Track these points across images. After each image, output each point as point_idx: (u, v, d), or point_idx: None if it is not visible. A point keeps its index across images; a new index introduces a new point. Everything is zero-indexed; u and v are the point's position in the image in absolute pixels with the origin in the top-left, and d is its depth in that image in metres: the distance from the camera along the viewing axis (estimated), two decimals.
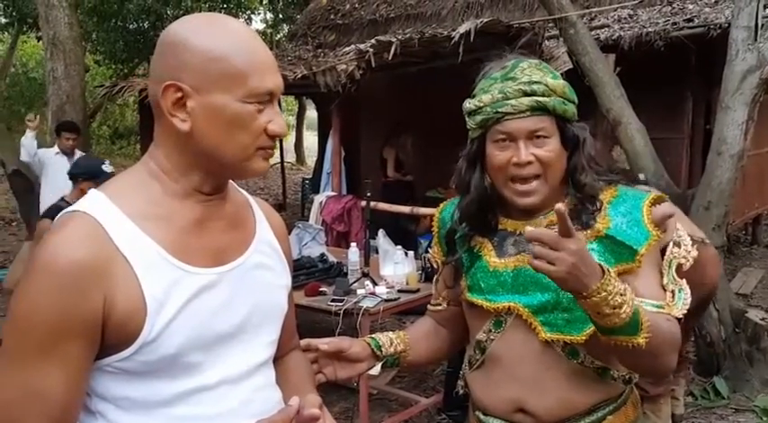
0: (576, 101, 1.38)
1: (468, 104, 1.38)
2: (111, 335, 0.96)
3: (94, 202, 1.00)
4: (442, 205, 1.59)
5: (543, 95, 1.31)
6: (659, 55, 5.82)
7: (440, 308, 1.62)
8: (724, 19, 5.52)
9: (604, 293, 1.14)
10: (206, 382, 1.03)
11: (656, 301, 1.31)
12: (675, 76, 6.20)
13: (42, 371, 0.93)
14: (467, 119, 1.40)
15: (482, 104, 1.34)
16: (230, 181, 1.14)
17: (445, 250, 1.53)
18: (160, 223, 1.01)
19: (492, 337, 1.42)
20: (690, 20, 5.99)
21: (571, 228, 1.12)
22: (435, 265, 1.62)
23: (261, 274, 1.13)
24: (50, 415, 0.93)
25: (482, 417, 1.47)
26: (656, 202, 1.39)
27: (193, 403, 1.02)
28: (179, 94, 0.99)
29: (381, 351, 1.48)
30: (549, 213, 1.39)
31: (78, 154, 5.93)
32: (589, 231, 1.34)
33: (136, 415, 1.01)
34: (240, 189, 1.21)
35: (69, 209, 1.00)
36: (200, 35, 1.00)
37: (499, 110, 1.32)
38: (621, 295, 1.17)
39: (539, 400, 1.37)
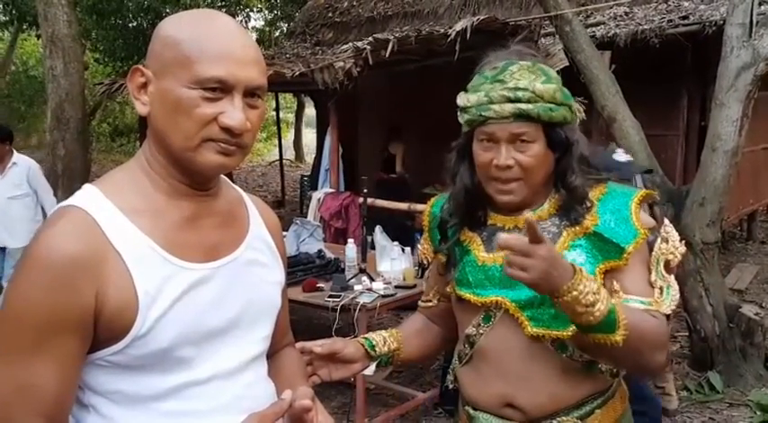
0: (570, 102, 1.37)
1: (460, 100, 1.40)
2: (102, 329, 0.96)
3: (88, 196, 1.01)
4: (433, 199, 1.61)
5: (528, 102, 1.31)
6: (655, 52, 5.84)
7: (430, 304, 1.64)
8: (719, 16, 5.54)
9: (575, 293, 1.17)
10: (198, 377, 1.04)
11: (642, 298, 1.32)
12: (671, 73, 6.23)
13: (34, 365, 0.93)
14: (458, 113, 1.42)
15: (469, 104, 1.36)
16: (223, 177, 1.15)
17: (437, 241, 1.54)
18: (152, 218, 1.02)
19: (481, 331, 1.42)
20: (685, 17, 6.02)
21: (540, 235, 1.15)
22: (425, 262, 1.64)
23: (254, 271, 1.13)
24: (43, 409, 0.94)
25: (471, 411, 1.47)
26: (645, 199, 1.40)
27: (185, 398, 1.03)
28: (142, 79, 1.02)
29: (375, 350, 1.50)
30: (536, 209, 1.41)
31: (14, 158, 5.12)
32: (577, 228, 1.36)
33: (128, 409, 1.01)
34: (235, 186, 1.21)
35: (63, 204, 1.01)
36: (170, 25, 1.04)
37: (482, 113, 1.33)
38: (594, 293, 1.19)
39: (527, 394, 1.37)
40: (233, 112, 0.99)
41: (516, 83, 1.32)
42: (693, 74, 6.32)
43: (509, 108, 1.31)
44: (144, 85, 1.02)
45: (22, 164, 5.18)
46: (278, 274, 1.21)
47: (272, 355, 1.25)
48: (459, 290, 1.45)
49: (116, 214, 0.99)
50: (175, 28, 1.02)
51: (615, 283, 1.34)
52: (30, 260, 0.95)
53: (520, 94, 1.31)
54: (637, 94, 4.77)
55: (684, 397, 4.01)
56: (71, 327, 0.94)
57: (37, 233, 0.98)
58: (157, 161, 1.05)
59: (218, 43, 0.99)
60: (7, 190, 5.06)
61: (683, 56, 6.12)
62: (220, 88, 0.99)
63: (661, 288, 1.35)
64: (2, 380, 0.93)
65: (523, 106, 1.31)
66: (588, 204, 1.37)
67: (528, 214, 1.39)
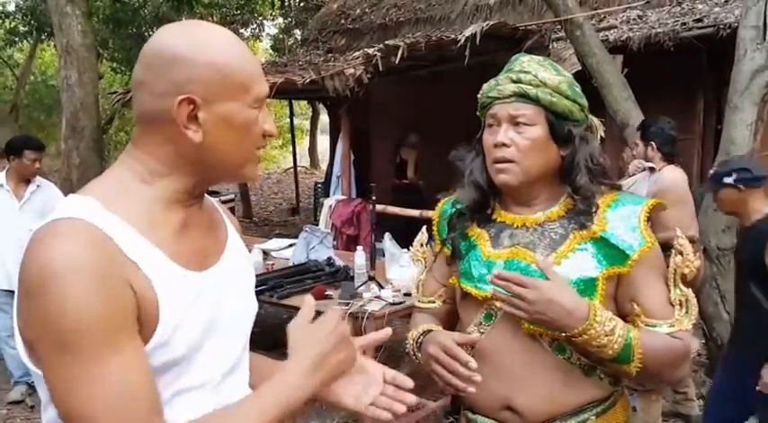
0: (580, 100, 1.41)
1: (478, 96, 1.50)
2: None
3: (87, 208, 0.97)
4: (444, 200, 1.64)
5: (530, 84, 1.38)
6: (669, 55, 5.78)
7: (433, 305, 1.64)
8: (734, 18, 5.46)
9: (586, 337, 1.27)
10: (192, 384, 1.04)
11: (667, 321, 1.36)
12: (686, 76, 6.15)
13: (121, 369, 0.91)
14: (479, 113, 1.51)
15: (481, 93, 1.46)
16: None
17: (444, 233, 1.58)
18: (153, 227, 1.00)
19: (482, 330, 1.44)
20: (699, 20, 5.94)
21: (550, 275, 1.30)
22: (423, 264, 1.67)
23: (237, 276, 1.14)
24: (150, 407, 0.93)
25: (470, 415, 1.48)
26: (655, 208, 1.41)
27: (180, 404, 1.03)
28: (192, 107, 1.00)
29: None
30: (547, 210, 1.44)
31: (38, 182, 4.30)
32: (585, 232, 1.38)
33: None
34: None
35: (58, 216, 0.96)
36: (200, 46, 1.01)
37: (488, 95, 1.43)
38: (607, 335, 1.28)
39: (525, 397, 1.38)
40: (271, 120, 1.09)
41: (522, 67, 1.41)
42: (709, 77, 6.24)
43: (510, 87, 1.39)
44: (191, 113, 1.00)
45: (47, 188, 4.35)
46: (252, 279, 1.22)
47: None
48: (462, 282, 1.47)
49: (119, 223, 0.96)
50: (210, 51, 1.01)
51: (636, 306, 1.37)
52: (53, 275, 0.88)
53: (522, 76, 1.39)
54: (652, 98, 4.72)
55: (700, 405, 3.93)
56: (129, 324, 0.92)
57: (40, 248, 0.91)
58: (169, 172, 1.03)
59: (253, 61, 1.07)
60: (30, 219, 3.94)
61: (699, 59, 6.04)
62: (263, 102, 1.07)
63: (681, 303, 1.37)
64: (107, 383, 0.90)
65: (523, 86, 1.38)
66: (594, 208, 1.38)
67: (538, 215, 1.44)
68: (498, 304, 1.36)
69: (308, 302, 1.16)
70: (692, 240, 3.60)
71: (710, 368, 4.33)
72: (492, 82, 1.44)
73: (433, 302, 1.64)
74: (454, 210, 1.55)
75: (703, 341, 4.44)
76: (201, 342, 1.04)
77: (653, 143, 3.73)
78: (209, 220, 1.14)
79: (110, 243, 0.94)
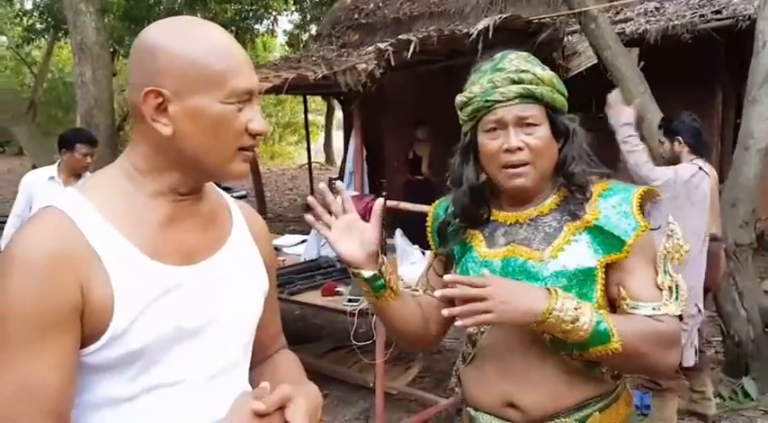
0: (566, 94, 1.41)
1: (460, 97, 1.42)
2: (84, 325, 0.96)
3: (68, 198, 1.01)
4: (437, 202, 1.61)
5: (531, 83, 1.34)
6: (687, 48, 5.69)
7: (416, 293, 1.59)
8: (753, 10, 5.37)
9: (555, 312, 1.24)
10: (169, 381, 1.03)
11: (650, 304, 1.33)
12: (704, 69, 6.06)
13: (33, 364, 0.93)
14: (459, 113, 1.44)
15: (472, 95, 1.38)
16: (211, 183, 1.15)
17: (437, 242, 1.55)
18: (131, 220, 1.02)
19: (482, 328, 1.43)
20: (718, 12, 5.85)
21: (483, 280, 1.26)
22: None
23: (232, 276, 1.12)
24: (46, 408, 0.93)
25: (473, 413, 1.48)
26: (647, 194, 1.41)
27: (155, 400, 1.02)
28: (159, 100, 1.00)
29: (382, 271, 1.42)
30: (539, 204, 1.43)
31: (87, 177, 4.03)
32: (578, 222, 1.37)
33: (98, 411, 1.01)
34: (222, 192, 1.21)
35: (43, 205, 1.01)
36: (176, 39, 1.02)
37: (488, 98, 1.35)
38: (576, 308, 1.25)
39: (527, 393, 1.37)
40: (259, 118, 1.05)
41: (518, 67, 1.36)
42: (728, 70, 6.15)
43: (515, 89, 1.34)
44: (160, 106, 1.01)
45: None
46: (260, 281, 1.20)
47: (263, 360, 1.26)
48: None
49: (94, 215, 1.00)
50: (185, 43, 1.01)
51: (622, 289, 1.35)
52: (10, 260, 0.94)
53: (523, 75, 1.35)
54: (669, 91, 4.63)
55: (717, 404, 3.88)
56: (62, 321, 0.94)
57: (16, 234, 0.98)
58: (154, 168, 1.05)
59: (235, 55, 1.03)
60: None
61: (717, 51, 5.95)
62: (247, 98, 1.03)
63: (669, 288, 1.35)
64: (2, 382, 0.93)
65: (528, 86, 1.34)
66: (588, 194, 1.38)
67: (530, 210, 1.43)
68: (461, 322, 1.26)
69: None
70: (713, 238, 3.54)
71: (728, 366, 4.26)
72: (486, 85, 1.36)
73: (417, 291, 1.59)
74: (445, 216, 1.52)
75: (721, 339, 4.37)
76: (176, 337, 1.03)
77: (679, 138, 3.56)
78: (210, 217, 1.13)
79: (75, 232, 0.97)
